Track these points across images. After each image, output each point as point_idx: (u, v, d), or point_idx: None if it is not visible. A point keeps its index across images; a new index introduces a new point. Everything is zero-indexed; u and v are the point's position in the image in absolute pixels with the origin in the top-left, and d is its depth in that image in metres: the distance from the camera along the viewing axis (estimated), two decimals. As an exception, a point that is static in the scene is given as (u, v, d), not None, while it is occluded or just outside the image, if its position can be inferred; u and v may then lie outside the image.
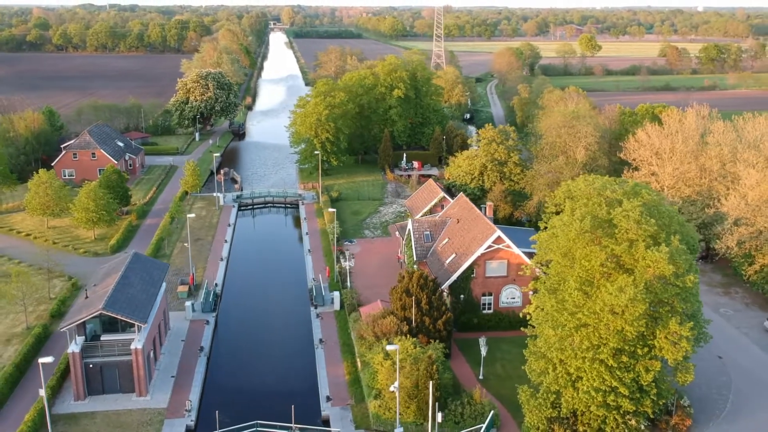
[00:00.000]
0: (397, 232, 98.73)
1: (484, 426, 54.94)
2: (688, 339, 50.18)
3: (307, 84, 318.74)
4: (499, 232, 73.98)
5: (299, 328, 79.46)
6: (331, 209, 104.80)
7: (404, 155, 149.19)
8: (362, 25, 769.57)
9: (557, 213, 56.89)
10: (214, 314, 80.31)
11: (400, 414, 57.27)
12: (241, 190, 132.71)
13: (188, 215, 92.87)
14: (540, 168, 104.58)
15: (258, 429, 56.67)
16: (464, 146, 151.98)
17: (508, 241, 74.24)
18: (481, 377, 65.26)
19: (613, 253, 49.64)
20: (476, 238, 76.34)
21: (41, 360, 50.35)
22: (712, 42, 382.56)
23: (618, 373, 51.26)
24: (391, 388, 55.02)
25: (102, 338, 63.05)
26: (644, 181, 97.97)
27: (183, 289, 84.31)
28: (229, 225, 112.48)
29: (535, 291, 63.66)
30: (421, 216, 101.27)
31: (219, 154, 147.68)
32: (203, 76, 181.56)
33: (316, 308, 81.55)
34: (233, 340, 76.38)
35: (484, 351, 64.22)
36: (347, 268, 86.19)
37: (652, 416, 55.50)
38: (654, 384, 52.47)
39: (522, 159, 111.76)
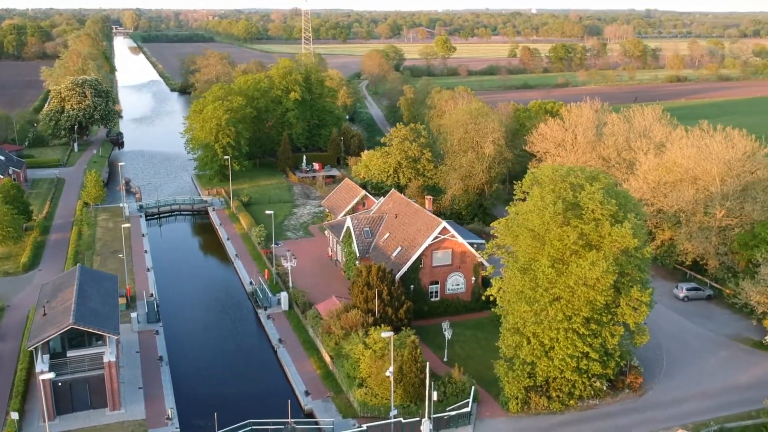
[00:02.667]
0: (326, 232, 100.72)
1: (470, 400, 58.87)
2: (647, 304, 56.75)
3: (173, 90, 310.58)
4: (444, 224, 78.35)
5: (251, 331, 79.96)
6: (268, 211, 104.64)
7: (304, 157, 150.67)
8: (212, 28, 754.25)
9: (523, 200, 61.77)
10: (160, 324, 78.86)
11: (387, 399, 60.00)
12: (141, 200, 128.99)
13: (123, 225, 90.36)
14: (453, 163, 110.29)
15: (253, 428, 57.27)
16: (361, 146, 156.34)
17: (453, 231, 78.79)
18: (445, 359, 69.10)
19: (582, 231, 55.12)
20: (421, 230, 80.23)
21: (43, 376, 48.60)
22: (553, 42, 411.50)
23: (588, 339, 56.97)
24: (387, 373, 57.67)
25: (68, 354, 60.85)
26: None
27: (122, 301, 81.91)
28: (143, 235, 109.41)
29: (492, 275, 68.79)
30: (344, 215, 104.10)
31: (123, 163, 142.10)
32: (79, 83, 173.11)
33: (266, 309, 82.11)
34: (188, 348, 75.57)
35: (448, 334, 68.11)
36: (289, 268, 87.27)
37: (611, 378, 61.82)
38: (617, 347, 58.71)
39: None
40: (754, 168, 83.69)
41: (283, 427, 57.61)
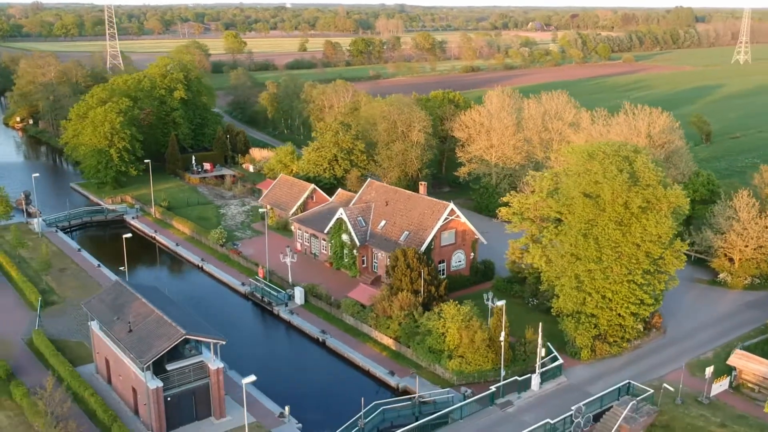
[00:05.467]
0: (293, 227, 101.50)
1: (555, 354, 66.44)
2: (684, 253, 68.28)
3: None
4: (452, 205, 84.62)
5: (279, 328, 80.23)
6: (261, 209, 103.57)
7: (193, 158, 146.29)
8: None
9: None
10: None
11: (480, 365, 65.49)
12: (39, 215, 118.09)
13: (124, 236, 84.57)
14: (388, 152, 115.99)
15: (383, 409, 59.63)
16: (247, 144, 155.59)
17: (458, 212, 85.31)
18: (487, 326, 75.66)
19: (644, 196, 64.87)
20: (426, 213, 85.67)
21: (245, 380, 47.86)
22: (329, 37, 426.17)
23: (645, 288, 67.11)
24: (501, 339, 63.19)
25: (169, 368, 58.38)
26: (477, 155, 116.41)
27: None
28: (79, 250, 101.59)
29: (526, 246, 76.89)
30: (296, 210, 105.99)
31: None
32: None
33: (286, 305, 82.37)
34: (229, 353, 74.07)
35: (492, 304, 74.73)
36: (288, 263, 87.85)
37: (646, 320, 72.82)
38: (661, 293, 69.69)
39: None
40: (672, 139, 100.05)
41: (410, 403, 60.76)
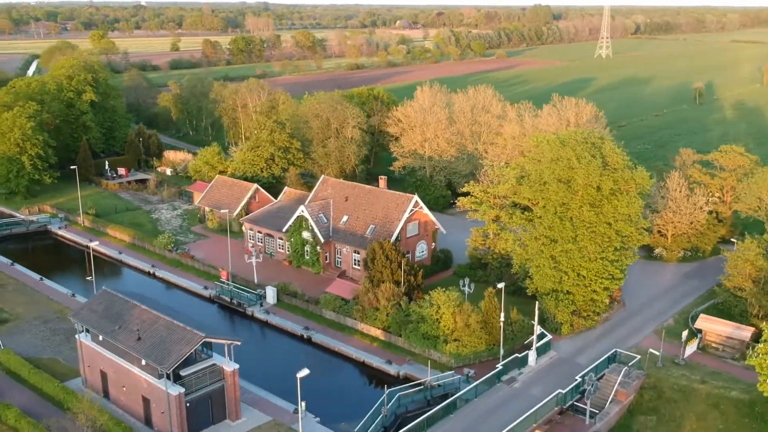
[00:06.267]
0: (243, 227, 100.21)
1: (543, 331, 70.54)
2: (646, 229, 74.51)
3: None
4: (416, 198, 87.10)
5: (256, 328, 79.64)
6: (223, 210, 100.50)
7: (106, 163, 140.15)
8: None
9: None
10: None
11: (475, 347, 68.51)
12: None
13: (92, 243, 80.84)
14: (326, 149, 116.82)
15: (399, 395, 61.11)
16: (160, 147, 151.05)
17: (422, 204, 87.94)
18: (465, 311, 78.83)
19: (613, 177, 70.14)
20: (390, 206, 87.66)
21: (300, 374, 47.94)
22: (198, 36, 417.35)
23: (615, 264, 72.62)
24: (501, 320, 66.29)
25: (183, 373, 57.12)
26: (410, 149, 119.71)
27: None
28: (12, 263, 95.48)
29: (496, 232, 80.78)
30: (241, 210, 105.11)
31: None
32: None
33: (261, 306, 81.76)
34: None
35: (469, 289, 78.04)
36: (254, 263, 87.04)
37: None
38: (625, 268, 75.59)
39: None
40: (597, 128, 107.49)
41: (423, 387, 62.68)
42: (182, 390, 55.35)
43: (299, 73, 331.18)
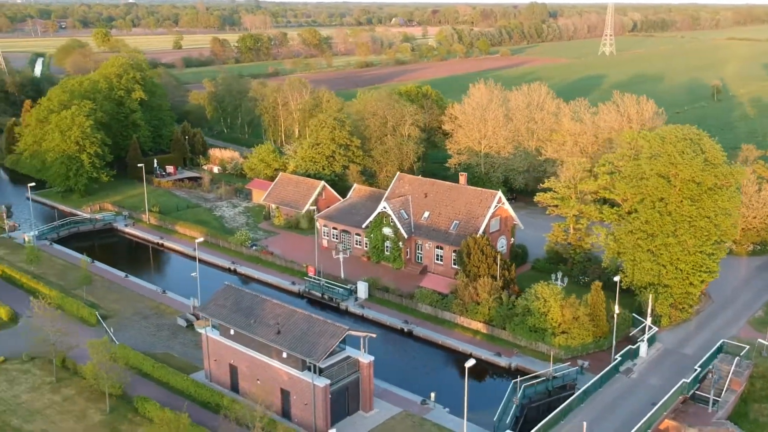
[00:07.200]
0: (317, 224, 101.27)
1: (643, 324, 72.36)
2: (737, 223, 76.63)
3: None
4: (500, 194, 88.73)
5: (350, 322, 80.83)
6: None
7: (155, 161, 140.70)
8: None
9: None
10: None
11: (583, 339, 70.28)
12: (17, 228, 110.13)
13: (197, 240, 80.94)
14: (386, 147, 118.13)
15: (524, 386, 62.69)
16: (204, 145, 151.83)
17: (504, 200, 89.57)
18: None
19: (714, 173, 72.05)
20: (473, 202, 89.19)
21: (468, 363, 49.31)
22: (195, 34, 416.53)
23: (712, 257, 74.57)
24: (616, 311, 68.07)
25: (322, 365, 58.36)
26: (466, 146, 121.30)
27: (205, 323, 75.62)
28: (92, 261, 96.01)
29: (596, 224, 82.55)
30: (309, 207, 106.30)
31: None
32: None
33: (356, 301, 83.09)
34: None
35: (562, 282, 79.82)
36: (341, 259, 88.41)
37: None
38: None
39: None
40: (660, 124, 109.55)
41: (545, 379, 64.35)
42: (328, 381, 56.65)
43: (310, 71, 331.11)
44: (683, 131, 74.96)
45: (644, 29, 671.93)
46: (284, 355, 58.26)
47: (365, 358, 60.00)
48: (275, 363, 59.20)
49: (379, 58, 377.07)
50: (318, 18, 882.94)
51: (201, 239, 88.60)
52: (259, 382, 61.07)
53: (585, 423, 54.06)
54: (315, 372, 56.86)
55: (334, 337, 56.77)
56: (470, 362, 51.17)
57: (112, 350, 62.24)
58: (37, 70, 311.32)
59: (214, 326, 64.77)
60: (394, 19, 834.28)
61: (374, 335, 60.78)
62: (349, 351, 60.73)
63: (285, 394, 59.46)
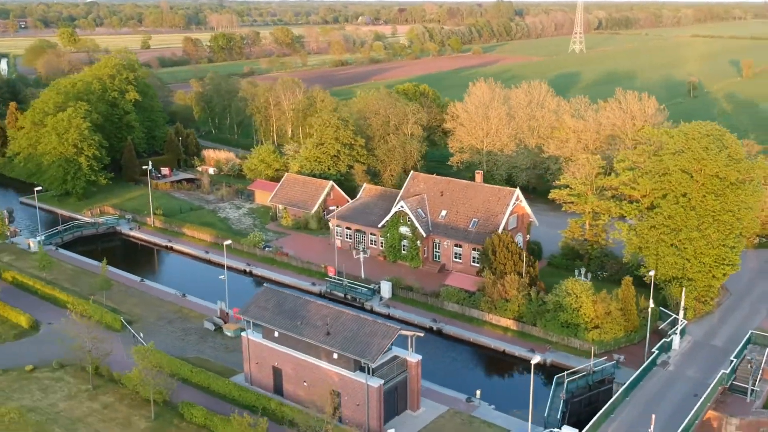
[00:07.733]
0: (331, 224, 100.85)
1: (672, 318, 73.68)
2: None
3: None
4: (518, 191, 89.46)
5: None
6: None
7: (150, 163, 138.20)
8: None
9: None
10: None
11: (615, 333, 71.33)
12: (18, 233, 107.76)
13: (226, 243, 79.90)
14: (389, 145, 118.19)
15: (568, 379, 63.34)
16: (198, 146, 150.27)
17: (522, 198, 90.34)
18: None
19: (737, 167, 73.64)
20: (491, 200, 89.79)
21: (534, 361, 49.48)
22: (161, 33, 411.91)
23: (734, 250, 76.24)
24: (651, 305, 69.15)
25: (373, 365, 58.29)
26: (468, 144, 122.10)
27: (234, 326, 75.08)
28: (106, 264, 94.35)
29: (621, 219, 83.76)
30: (318, 207, 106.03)
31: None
32: None
33: (381, 300, 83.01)
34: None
35: (586, 279, 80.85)
36: (361, 259, 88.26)
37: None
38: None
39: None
40: (662, 120, 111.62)
41: (585, 373, 65.09)
42: (382, 382, 56.62)
43: (286, 71, 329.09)
44: (706, 127, 76.44)
45: (609, 27, 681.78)
46: (335, 356, 58.06)
47: (413, 358, 60.09)
48: (324, 364, 58.95)
49: (353, 57, 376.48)
50: (284, 17, 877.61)
51: (229, 242, 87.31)
52: (305, 384, 60.75)
53: (654, 416, 54.76)
54: (368, 372, 56.74)
55: (386, 338, 56.74)
56: (536, 359, 51.56)
57: (157, 357, 61.18)
58: (3, 70, 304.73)
59: (253, 328, 64.20)
60: (360, 18, 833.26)
61: (422, 334, 60.88)
62: (396, 350, 60.75)
63: (336, 396, 59.17)
